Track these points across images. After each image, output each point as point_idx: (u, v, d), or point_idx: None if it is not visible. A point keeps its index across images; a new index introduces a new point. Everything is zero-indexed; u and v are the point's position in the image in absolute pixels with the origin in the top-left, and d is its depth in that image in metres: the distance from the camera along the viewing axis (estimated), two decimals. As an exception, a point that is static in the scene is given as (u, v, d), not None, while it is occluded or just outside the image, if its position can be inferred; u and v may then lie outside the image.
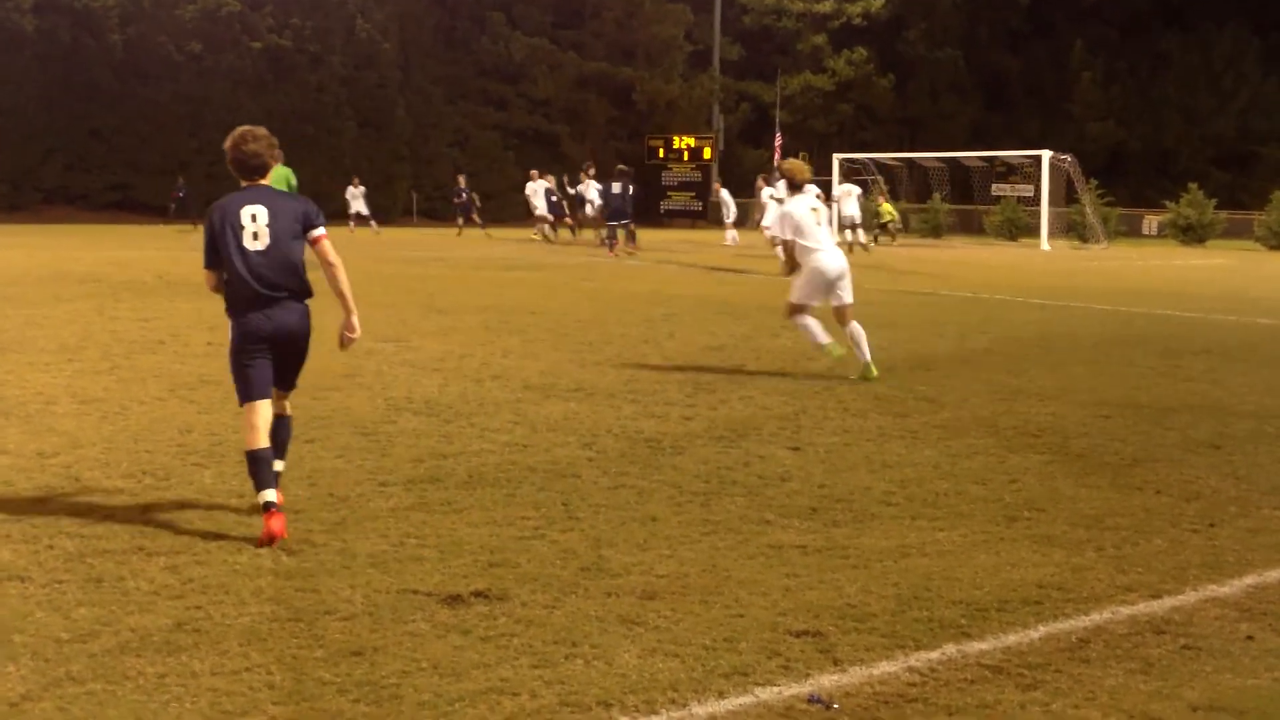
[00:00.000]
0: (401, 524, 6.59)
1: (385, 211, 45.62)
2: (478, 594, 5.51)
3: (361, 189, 46.18)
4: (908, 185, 56.64)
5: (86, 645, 4.85)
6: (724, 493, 7.40)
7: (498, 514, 6.83)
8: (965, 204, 57.15)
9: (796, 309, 12.23)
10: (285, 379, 7.03)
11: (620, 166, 35.74)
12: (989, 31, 79.87)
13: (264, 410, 6.66)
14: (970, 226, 56.11)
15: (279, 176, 27.85)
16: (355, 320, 7.15)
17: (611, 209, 34.04)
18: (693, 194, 68.67)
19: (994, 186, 54.56)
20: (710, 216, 61.62)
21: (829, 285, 12.09)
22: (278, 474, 6.68)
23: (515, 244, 39.21)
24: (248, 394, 6.70)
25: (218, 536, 6.29)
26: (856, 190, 40.48)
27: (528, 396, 10.59)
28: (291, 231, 6.73)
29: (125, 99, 55.39)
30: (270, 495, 6.37)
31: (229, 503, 6.91)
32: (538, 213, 41.85)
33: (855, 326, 12.04)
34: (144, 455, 8.02)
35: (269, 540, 6.19)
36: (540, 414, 9.81)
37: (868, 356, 11.96)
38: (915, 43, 77.10)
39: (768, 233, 12.78)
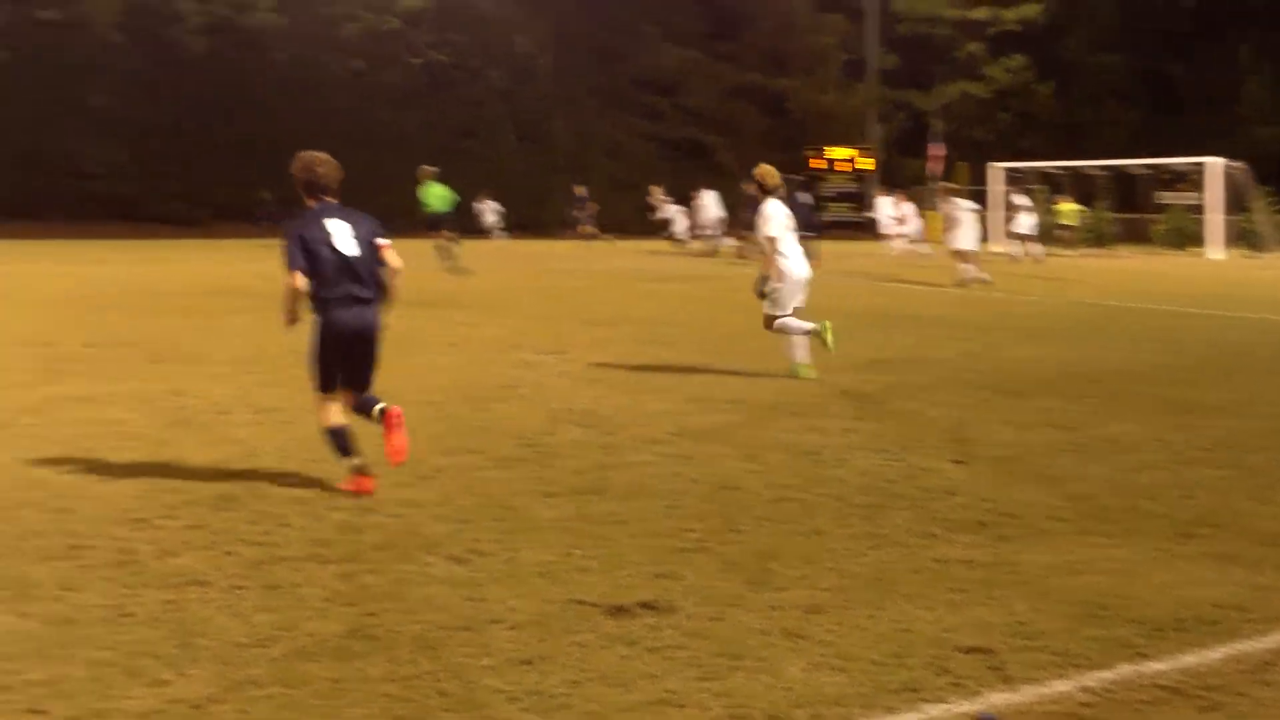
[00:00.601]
0: (566, 535, 6.66)
1: (542, 224, 45.95)
2: (643, 605, 5.55)
3: (491, 203, 45.91)
4: (1070, 194, 55.61)
5: (266, 650, 4.99)
6: (888, 506, 7.36)
7: (660, 526, 6.87)
8: (1130, 212, 55.94)
9: (779, 319, 12.68)
10: (363, 376, 7.82)
11: (795, 178, 35.60)
12: (1152, 35, 78.15)
13: (339, 398, 7.66)
14: (1136, 235, 54.88)
15: (439, 194, 28.27)
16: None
17: (803, 220, 34.09)
18: (850, 205, 68.21)
19: (1160, 194, 53.30)
20: (870, 227, 61.15)
21: (802, 288, 12.79)
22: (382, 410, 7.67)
23: (664, 256, 39.26)
24: (328, 385, 7.66)
25: (388, 545, 6.42)
26: (1029, 202, 39.85)
27: (688, 408, 10.62)
28: (371, 241, 7.71)
29: (290, 117, 56.67)
30: (358, 460, 7.48)
31: (399, 513, 7.04)
32: (706, 228, 41.47)
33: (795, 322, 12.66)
34: (316, 464, 8.19)
35: (368, 492, 7.36)
36: (700, 426, 9.83)
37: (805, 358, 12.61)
38: (1075, 48, 75.70)
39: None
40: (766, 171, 13.23)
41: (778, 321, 12.69)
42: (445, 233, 29.46)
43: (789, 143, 71.43)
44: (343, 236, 7.55)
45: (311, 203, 7.77)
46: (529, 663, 4.88)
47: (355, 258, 7.54)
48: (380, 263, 7.76)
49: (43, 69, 51.73)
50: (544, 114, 64.91)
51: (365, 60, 59.26)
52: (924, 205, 47.17)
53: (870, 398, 11.30)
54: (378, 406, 7.67)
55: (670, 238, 42.59)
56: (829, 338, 12.59)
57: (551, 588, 5.78)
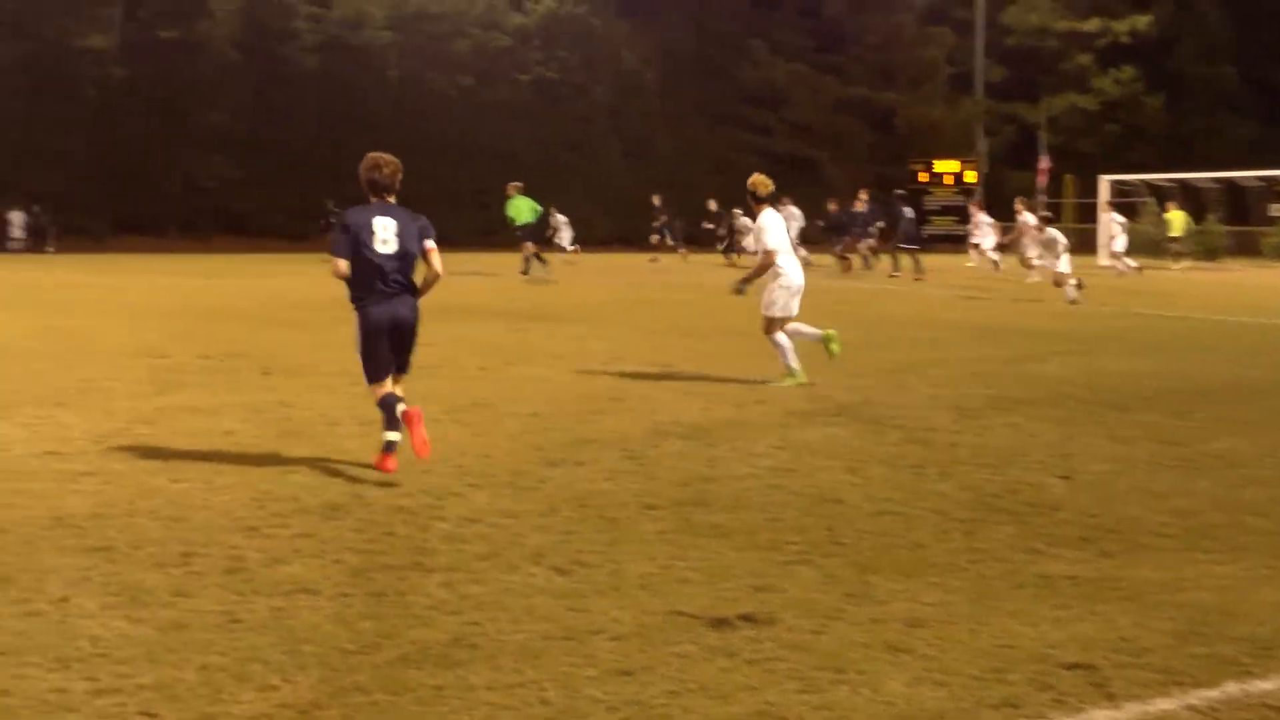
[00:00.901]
0: (669, 546, 6.68)
1: (644, 237, 45.97)
2: (744, 617, 5.55)
3: (563, 218, 45.43)
4: (1180, 206, 54.76)
5: (370, 656, 5.06)
6: (991, 520, 7.30)
7: (762, 538, 6.88)
8: (1241, 225, 54.92)
9: (777, 324, 13.03)
10: (401, 361, 8.71)
11: (898, 191, 35.63)
12: (1264, 45, 76.69)
13: (388, 385, 8.54)
14: (1247, 248, 53.90)
15: (526, 206, 29.10)
16: None
17: (905, 233, 34.23)
18: (956, 218, 67.66)
19: (1272, 207, 52.30)
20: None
21: (797, 295, 13.12)
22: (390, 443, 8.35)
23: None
24: (377, 376, 8.57)
25: (492, 555, 6.48)
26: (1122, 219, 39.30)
27: (790, 421, 10.61)
28: (414, 241, 8.50)
29: (401, 133, 57.33)
30: (396, 436, 8.28)
31: (502, 523, 7.11)
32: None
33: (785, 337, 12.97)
34: (421, 475, 8.30)
35: (389, 471, 8.21)
36: (803, 439, 9.82)
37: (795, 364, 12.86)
38: (1186, 59, 74.51)
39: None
40: (759, 181, 13.45)
41: (789, 327, 13.10)
42: (531, 245, 30.70)
43: (895, 156, 71.08)
44: (386, 235, 8.35)
45: (373, 199, 8.58)
46: (630, 673, 4.90)
47: (390, 255, 8.36)
48: (416, 261, 8.61)
49: (161, 87, 52.84)
50: (649, 129, 65.15)
51: (474, 77, 59.89)
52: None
53: (972, 411, 11.21)
54: (395, 437, 8.33)
55: (730, 251, 42.07)
56: (834, 346, 13.13)
57: (653, 599, 5.81)
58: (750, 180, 13.41)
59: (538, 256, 30.86)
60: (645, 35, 67.00)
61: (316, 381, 12.52)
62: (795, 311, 13.14)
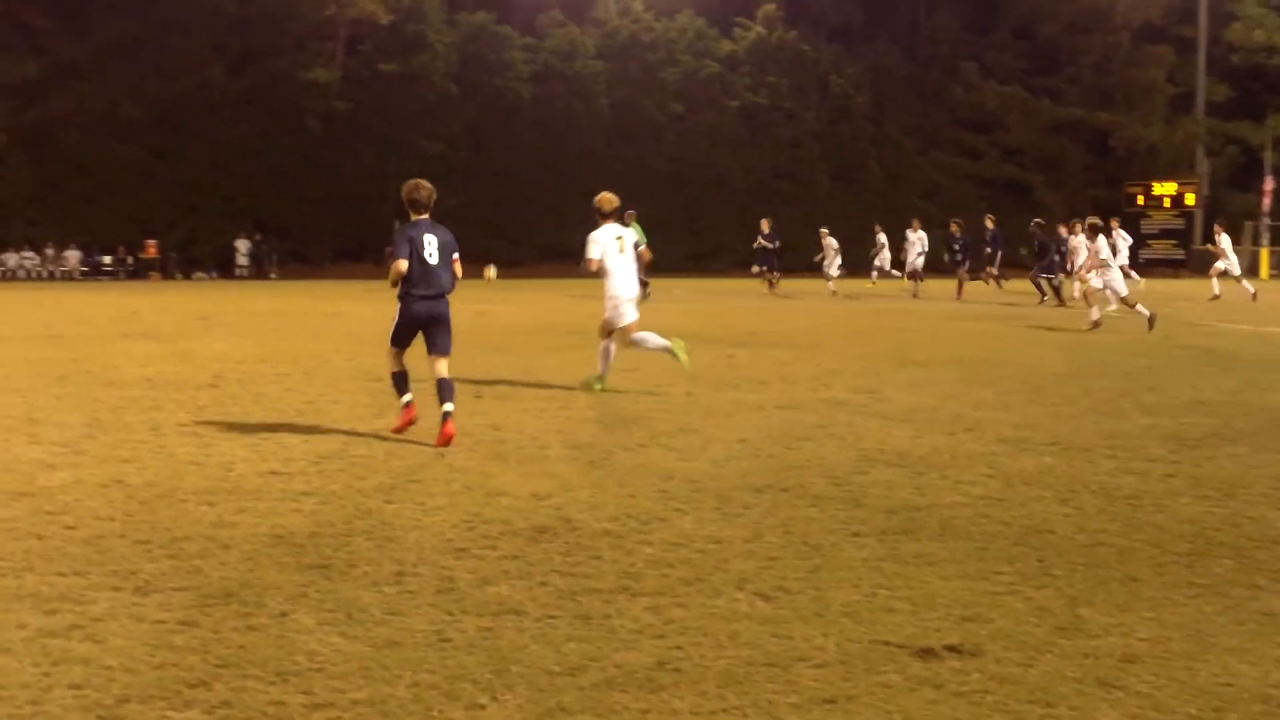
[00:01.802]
0: (874, 574, 6.63)
1: (858, 262, 45.71)
2: (950, 648, 5.48)
3: (834, 242, 45.29)
4: None
5: (575, 678, 5.12)
6: (1210, 554, 7.07)
7: (971, 568, 6.78)
8: None
9: (607, 330, 14.15)
10: (439, 344, 10.69)
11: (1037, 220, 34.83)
12: None
13: (402, 355, 10.90)
14: None
15: (632, 230, 30.17)
16: None
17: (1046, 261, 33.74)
18: (1175, 242, 65.89)
19: None
20: (1195, 265, 58.91)
21: (630, 304, 14.07)
22: (449, 412, 10.36)
23: (966, 300, 38.55)
24: (400, 345, 10.90)
25: (697, 580, 6.50)
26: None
27: (1002, 450, 10.43)
28: (449, 253, 10.67)
29: (611, 160, 58.19)
30: (409, 398, 10.82)
31: (707, 548, 7.13)
32: (910, 266, 40.12)
33: (613, 347, 14.18)
34: (628, 499, 8.37)
35: (403, 428, 10.71)
36: (1015, 468, 9.65)
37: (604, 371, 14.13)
38: None
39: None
40: (604, 199, 14.34)
41: (631, 336, 14.12)
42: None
43: (1111, 179, 69.53)
44: (432, 248, 10.43)
45: (414, 216, 10.62)
46: (833, 702, 4.87)
47: (435, 265, 10.46)
48: (449, 268, 10.71)
49: (380, 118, 54.45)
50: (859, 154, 64.88)
51: (684, 104, 60.41)
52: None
53: (1192, 441, 10.87)
54: (446, 407, 10.39)
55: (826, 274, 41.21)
56: (683, 356, 14.10)
57: (857, 627, 5.77)
58: (597, 199, 14.38)
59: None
60: (855, 59, 66.81)
61: (526, 405, 12.72)
62: (630, 319, 14.12)
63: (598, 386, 14.03)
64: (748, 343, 20.01)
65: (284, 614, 5.89)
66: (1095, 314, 23.68)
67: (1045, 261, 32.40)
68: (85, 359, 16.62)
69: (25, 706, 4.80)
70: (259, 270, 52.08)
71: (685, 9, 64.04)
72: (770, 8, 65.33)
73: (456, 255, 10.77)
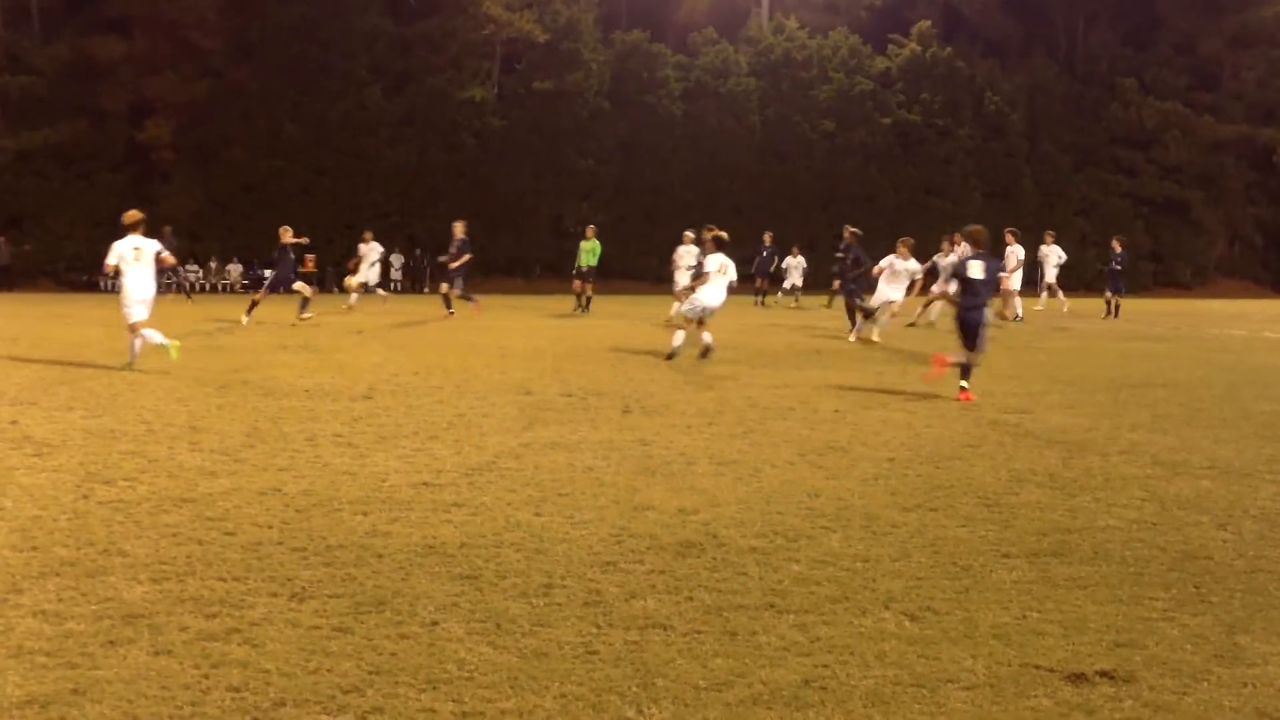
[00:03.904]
0: (1024, 596, 6.55)
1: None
2: (1103, 674, 5.39)
3: (800, 258, 43.72)
4: None
5: (721, 694, 5.14)
6: (1377, 583, 6.87)
7: (1124, 592, 6.66)
8: None
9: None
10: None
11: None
12: None
13: None
14: None
15: (589, 248, 31.49)
16: None
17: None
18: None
19: None
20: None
21: (139, 305, 16.80)
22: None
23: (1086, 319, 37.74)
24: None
25: (844, 598, 6.48)
26: None
27: (1157, 473, 10.23)
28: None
29: (764, 177, 58.17)
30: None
31: (854, 567, 7.10)
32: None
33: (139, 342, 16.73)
34: (775, 516, 8.37)
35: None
36: (1170, 491, 9.45)
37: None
38: None
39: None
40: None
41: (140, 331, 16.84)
42: (588, 286, 34.20)
43: (1274, 196, 67.76)
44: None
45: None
46: (981, 724, 4.83)
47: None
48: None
49: (534, 135, 55.07)
50: (1013, 171, 64.04)
51: (836, 120, 60.18)
52: None
53: (1362, 468, 10.56)
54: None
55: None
56: (174, 354, 16.90)
57: (1007, 650, 5.70)
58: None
59: (583, 293, 34.32)
60: (1011, 76, 65.99)
61: (674, 420, 12.75)
62: (138, 317, 16.83)
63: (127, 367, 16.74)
64: (893, 360, 19.84)
65: (435, 623, 5.99)
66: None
67: (855, 275, 27.85)
68: (245, 369, 17.02)
69: (185, 707, 4.95)
70: (414, 285, 52.93)
71: (839, 26, 63.82)
72: (925, 24, 64.83)
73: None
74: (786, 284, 42.67)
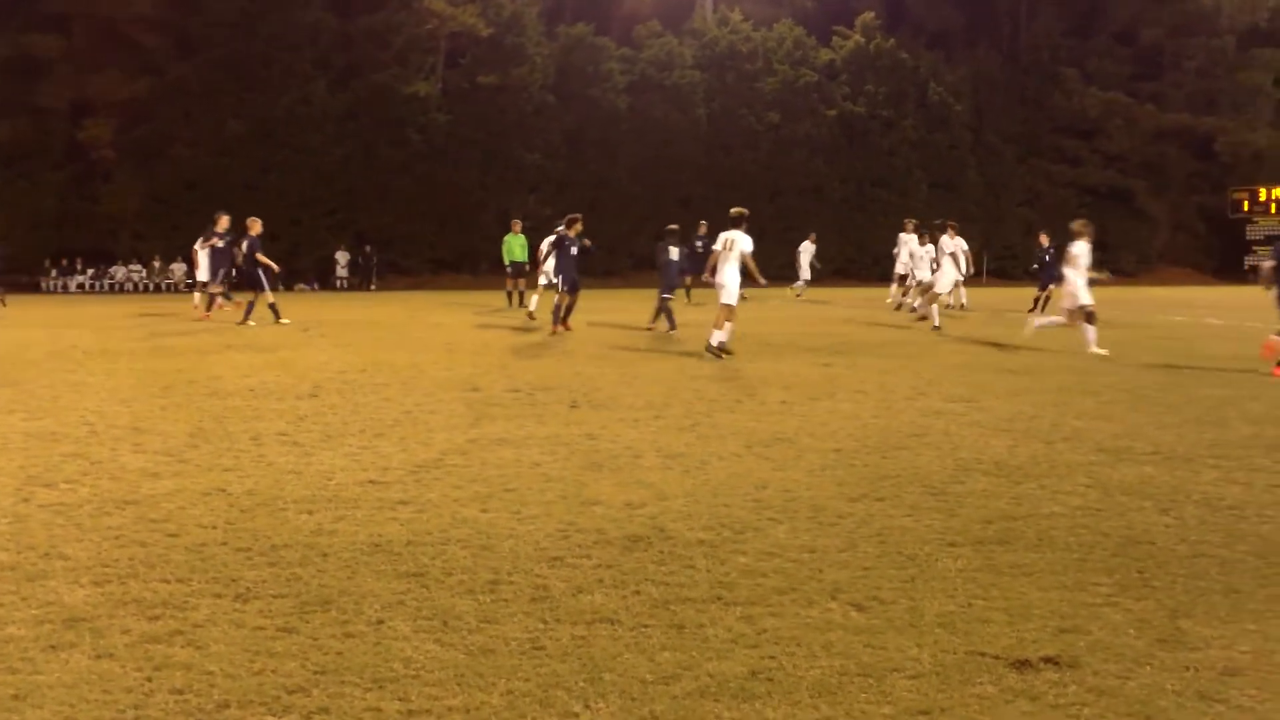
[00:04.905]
0: (969, 584, 6.58)
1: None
2: (1047, 660, 5.42)
3: (813, 248, 43.96)
4: None
5: (668, 687, 5.13)
6: (1317, 566, 6.95)
7: (1068, 579, 6.70)
8: None
9: None
10: None
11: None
12: None
13: None
14: None
15: (517, 243, 31.61)
16: None
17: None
18: (1283, 247, 64.73)
19: None
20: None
21: None
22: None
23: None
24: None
25: (790, 590, 6.48)
26: None
27: (1101, 459, 10.30)
28: None
29: (710, 169, 58.23)
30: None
31: (801, 558, 7.10)
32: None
33: None
34: (722, 508, 8.37)
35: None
36: (1114, 477, 9.52)
37: None
38: None
39: None
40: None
41: None
42: (521, 281, 33.87)
43: (1216, 184, 68.45)
44: None
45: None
46: (927, 713, 4.85)
47: None
48: None
49: (480, 130, 54.92)
50: (957, 162, 64.37)
51: (781, 112, 60.33)
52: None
53: (1301, 452, 10.68)
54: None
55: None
56: None
57: (952, 638, 5.72)
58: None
59: (521, 294, 33.70)
60: (955, 66, 66.34)
61: (621, 414, 12.74)
62: None
63: None
64: (844, 351, 19.90)
65: (380, 621, 5.96)
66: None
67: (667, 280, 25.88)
68: (189, 369, 16.90)
69: (128, 711, 4.90)
70: (360, 282, 52.71)
71: (784, 18, 63.97)
72: (869, 15, 65.07)
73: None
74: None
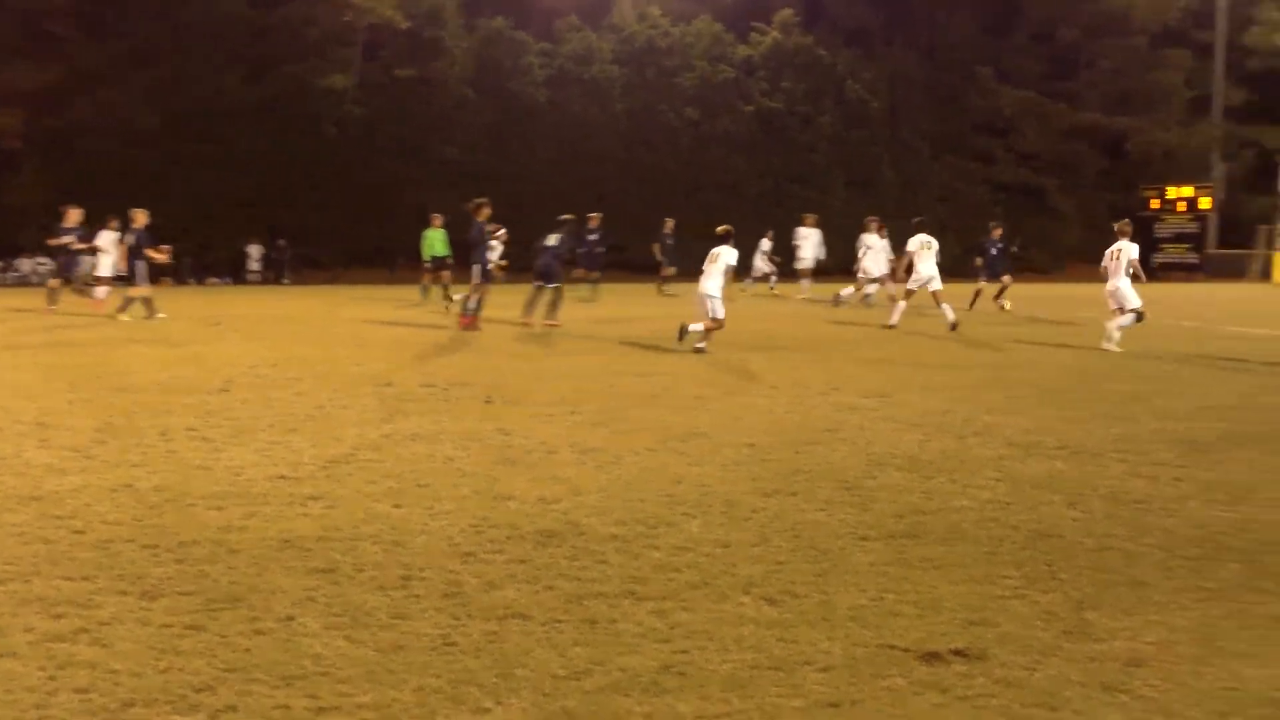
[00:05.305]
0: (881, 578, 6.62)
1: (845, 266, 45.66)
2: (956, 652, 5.47)
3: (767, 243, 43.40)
4: None
5: (580, 682, 5.12)
6: (1218, 558, 7.06)
7: (978, 572, 6.77)
8: None
9: None
10: None
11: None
12: None
13: None
14: None
15: (437, 237, 31.77)
16: None
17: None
18: (1188, 246, 65.84)
19: None
20: (1210, 270, 59.01)
21: None
22: None
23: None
24: None
25: (703, 584, 6.50)
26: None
27: (1011, 454, 10.42)
28: None
29: (630, 164, 58.17)
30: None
31: (714, 552, 7.13)
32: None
33: None
34: (636, 503, 8.38)
35: None
36: (1023, 471, 9.64)
37: None
38: None
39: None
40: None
41: None
42: (444, 274, 33.71)
43: (1127, 183, 69.41)
44: None
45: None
46: (837, 705, 4.88)
47: None
48: None
49: (397, 124, 54.58)
50: (874, 159, 64.77)
51: (700, 109, 60.44)
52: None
53: (1203, 445, 10.85)
54: None
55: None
56: None
57: (864, 631, 5.76)
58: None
59: (431, 285, 34.07)
60: (872, 64, 66.74)
61: (536, 410, 12.72)
62: None
63: None
64: (761, 347, 19.97)
65: (290, 618, 5.91)
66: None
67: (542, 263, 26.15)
68: (97, 364, 16.66)
69: (30, 710, 4.82)
70: (273, 276, 52.20)
71: (703, 14, 64.03)
72: (787, 12, 65.22)
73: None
74: (759, 271, 42.36)
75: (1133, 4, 68.82)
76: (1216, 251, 63.82)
